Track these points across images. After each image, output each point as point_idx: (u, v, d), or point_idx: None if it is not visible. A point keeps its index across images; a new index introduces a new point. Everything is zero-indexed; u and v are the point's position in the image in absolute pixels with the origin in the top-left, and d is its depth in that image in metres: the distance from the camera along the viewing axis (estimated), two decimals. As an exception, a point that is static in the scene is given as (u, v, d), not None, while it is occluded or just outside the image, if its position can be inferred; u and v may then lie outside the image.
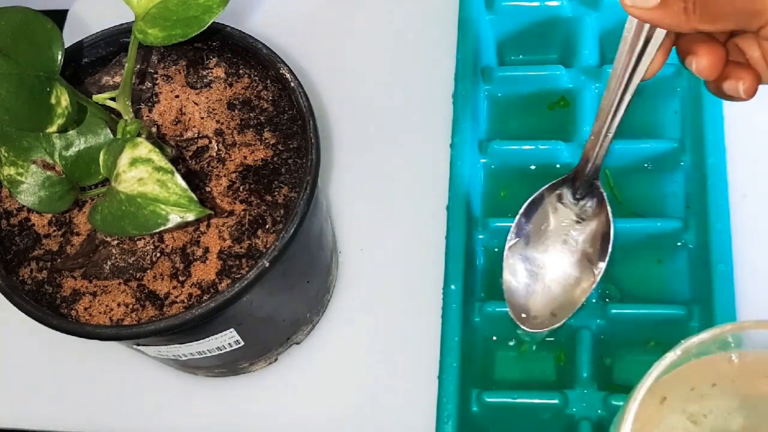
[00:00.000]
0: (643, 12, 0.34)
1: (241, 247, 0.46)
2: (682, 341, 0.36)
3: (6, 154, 0.45)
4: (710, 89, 0.38)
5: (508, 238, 0.50)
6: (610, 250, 0.49)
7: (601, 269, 0.49)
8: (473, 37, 0.58)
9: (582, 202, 0.49)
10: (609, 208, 0.49)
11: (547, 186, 0.50)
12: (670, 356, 0.36)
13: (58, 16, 0.67)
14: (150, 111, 0.50)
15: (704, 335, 0.36)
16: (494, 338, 0.54)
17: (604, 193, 0.49)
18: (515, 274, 0.50)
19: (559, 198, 0.50)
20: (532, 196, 0.50)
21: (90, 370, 0.57)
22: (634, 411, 0.36)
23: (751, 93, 0.36)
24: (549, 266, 0.50)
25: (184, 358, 0.50)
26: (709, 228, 0.52)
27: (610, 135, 0.43)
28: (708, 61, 0.35)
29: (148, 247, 0.46)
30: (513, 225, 0.50)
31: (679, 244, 0.54)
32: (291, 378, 0.55)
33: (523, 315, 0.50)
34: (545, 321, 0.50)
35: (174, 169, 0.42)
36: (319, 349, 0.56)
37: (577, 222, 0.50)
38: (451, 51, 0.58)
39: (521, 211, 0.50)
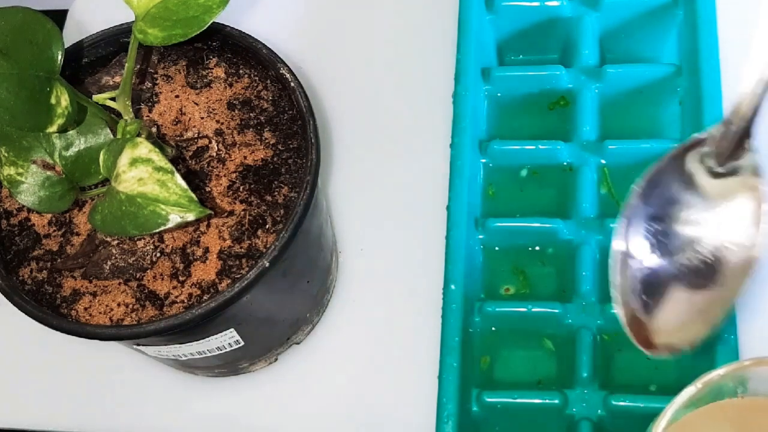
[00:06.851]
0: None
1: (241, 247, 0.46)
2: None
3: (6, 154, 0.45)
4: None
5: (618, 231, 0.38)
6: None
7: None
8: (473, 37, 0.58)
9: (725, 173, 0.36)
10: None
11: (672, 153, 0.36)
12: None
13: (58, 16, 0.66)
14: (150, 111, 0.50)
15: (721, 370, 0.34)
16: (494, 338, 0.54)
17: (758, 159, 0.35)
18: (634, 284, 0.38)
19: (693, 170, 0.36)
20: (652, 171, 0.37)
21: (90, 370, 0.57)
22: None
23: None
24: (680, 273, 0.38)
25: (184, 358, 0.50)
26: (709, 228, 0.51)
27: None
28: None
29: (148, 247, 0.46)
30: (625, 214, 0.38)
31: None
32: (291, 378, 0.55)
33: (650, 338, 0.38)
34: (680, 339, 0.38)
35: (174, 169, 0.42)
36: (319, 349, 0.56)
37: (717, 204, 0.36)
38: (451, 51, 0.58)
39: (639, 190, 0.38)
